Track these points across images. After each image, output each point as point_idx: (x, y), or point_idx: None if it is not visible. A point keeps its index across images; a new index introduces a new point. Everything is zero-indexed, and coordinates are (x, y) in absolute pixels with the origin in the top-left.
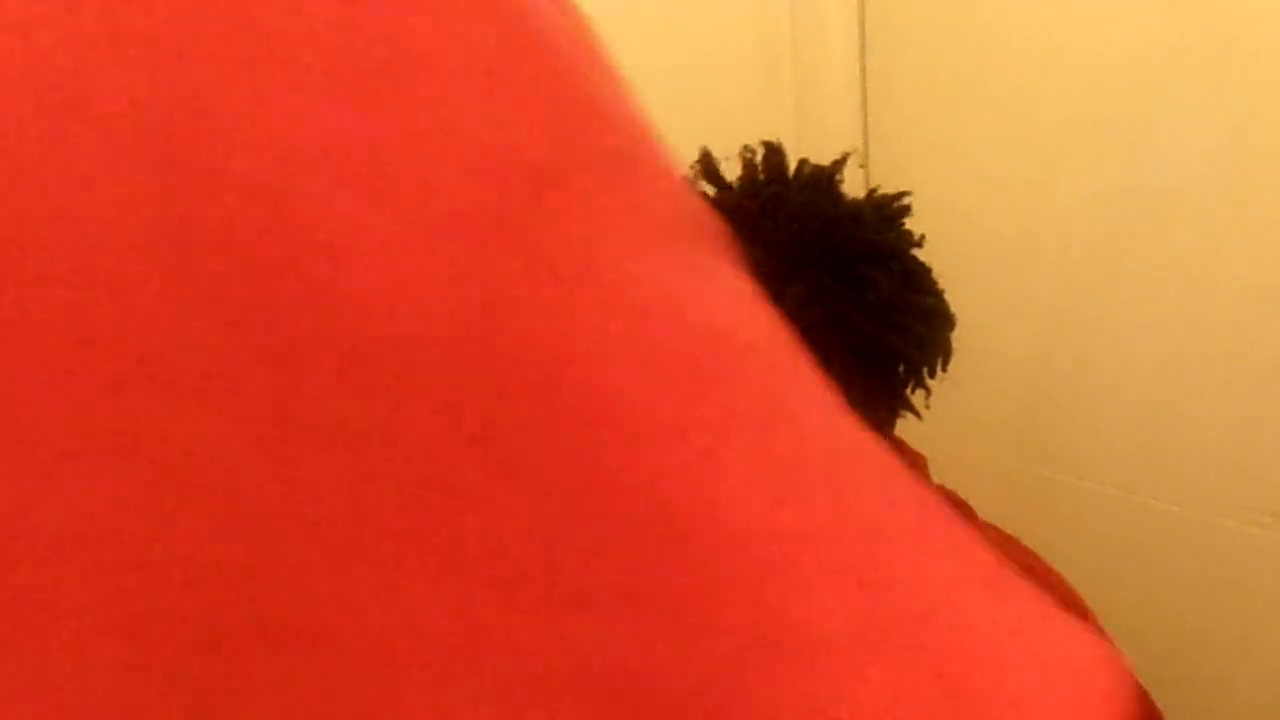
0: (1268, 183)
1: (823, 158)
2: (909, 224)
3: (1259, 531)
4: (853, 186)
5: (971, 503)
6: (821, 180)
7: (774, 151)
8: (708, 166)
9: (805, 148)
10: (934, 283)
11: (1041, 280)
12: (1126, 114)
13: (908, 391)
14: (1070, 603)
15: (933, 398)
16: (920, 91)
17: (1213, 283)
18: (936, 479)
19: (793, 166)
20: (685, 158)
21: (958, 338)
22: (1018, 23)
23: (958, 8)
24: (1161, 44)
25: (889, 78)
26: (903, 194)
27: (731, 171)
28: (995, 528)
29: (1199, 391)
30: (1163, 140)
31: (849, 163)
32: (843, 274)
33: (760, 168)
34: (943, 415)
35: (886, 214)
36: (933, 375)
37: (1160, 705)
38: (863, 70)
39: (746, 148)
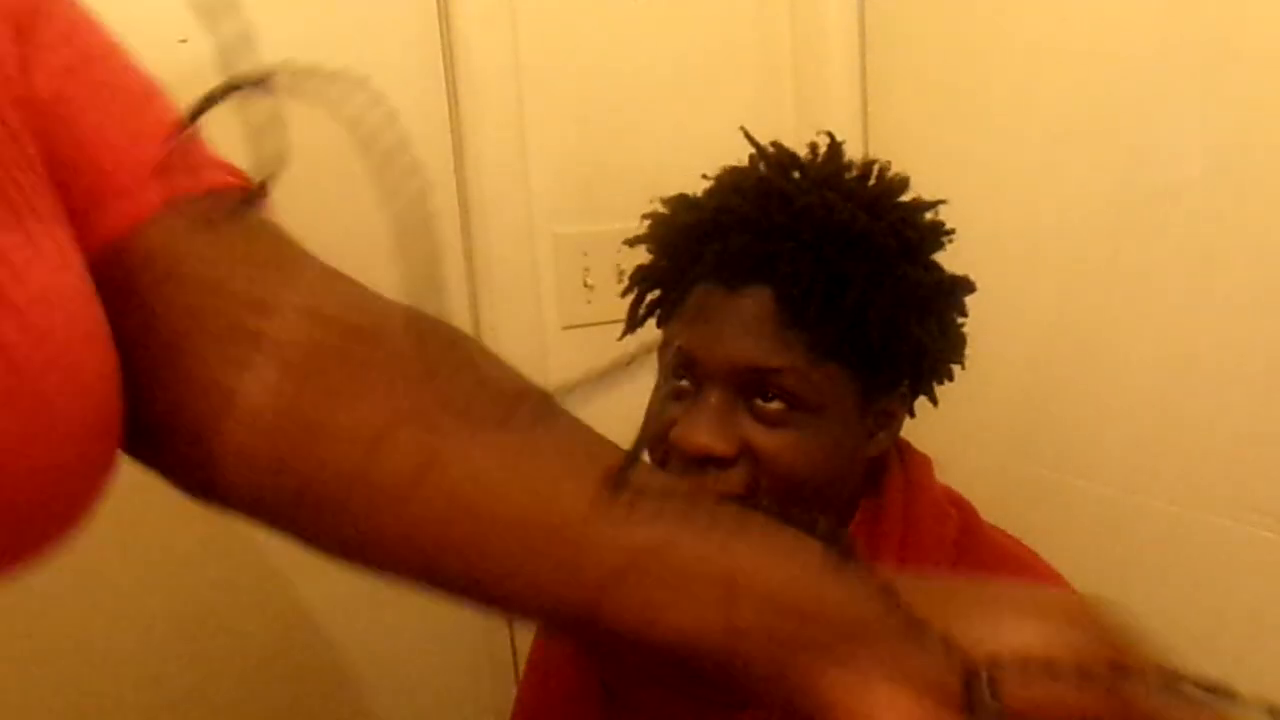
0: (1269, 183)
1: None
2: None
3: (1259, 531)
4: None
5: (972, 502)
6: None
7: (838, 145)
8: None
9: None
10: (954, 302)
11: (1042, 280)
12: (1127, 114)
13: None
14: None
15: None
16: (920, 91)
17: (1213, 283)
18: (938, 479)
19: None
20: (686, 157)
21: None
22: (1018, 23)
23: (958, 8)
24: (1162, 44)
25: (889, 78)
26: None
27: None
28: (996, 528)
29: (1199, 391)
30: (1163, 140)
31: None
32: (878, 276)
33: (822, 156)
34: (943, 415)
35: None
36: (936, 384)
37: None
38: (863, 70)
39: (815, 138)
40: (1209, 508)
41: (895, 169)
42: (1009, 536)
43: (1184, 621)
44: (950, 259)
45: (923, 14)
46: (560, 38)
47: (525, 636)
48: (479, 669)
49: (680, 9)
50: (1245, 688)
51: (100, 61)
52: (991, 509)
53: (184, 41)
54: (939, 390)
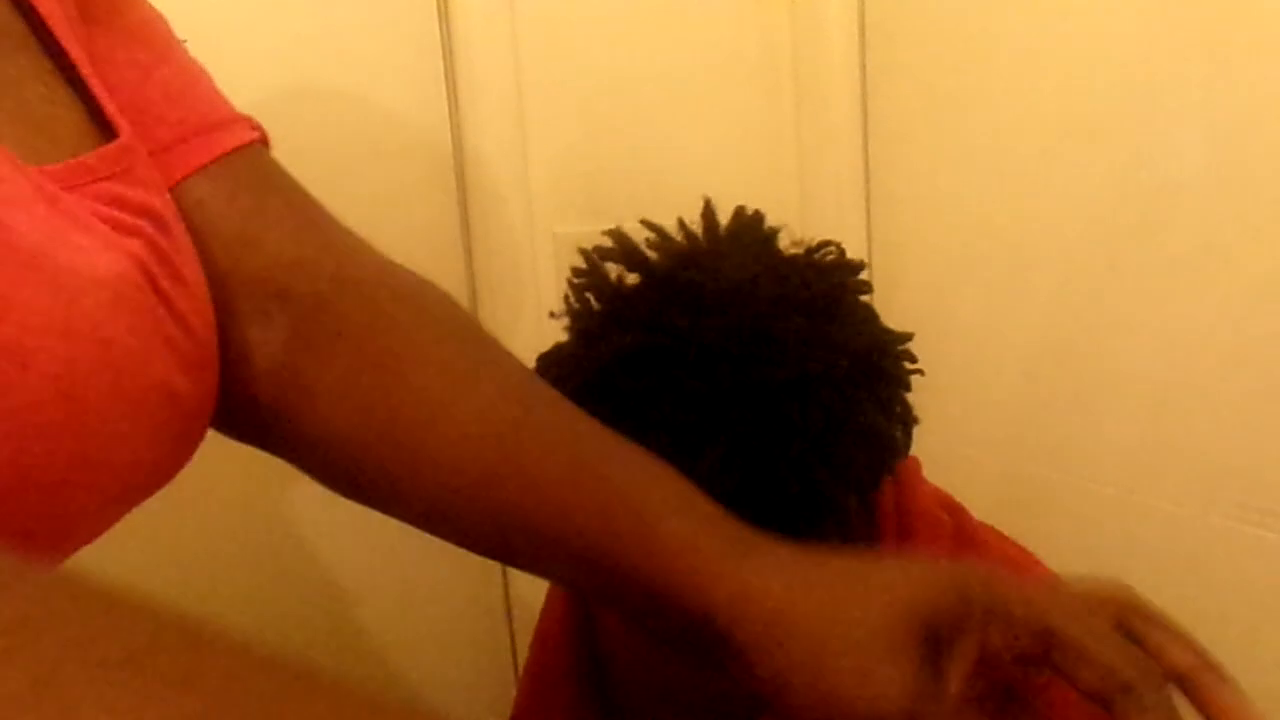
0: (1269, 182)
1: (823, 157)
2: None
3: (1258, 531)
4: (852, 202)
5: (971, 503)
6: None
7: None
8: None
9: (806, 148)
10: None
11: (1041, 279)
12: (1127, 113)
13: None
14: None
15: (931, 398)
16: (920, 91)
17: (1213, 282)
18: (936, 480)
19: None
20: (686, 159)
21: (958, 337)
22: (1018, 22)
23: (958, 7)
24: (1162, 43)
25: (889, 78)
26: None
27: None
28: (991, 529)
29: (1199, 391)
30: (1163, 139)
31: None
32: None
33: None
34: (942, 415)
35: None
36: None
37: None
38: (863, 70)
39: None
40: (1209, 508)
41: (891, 170)
42: (1005, 538)
43: (1183, 622)
44: (951, 258)
45: (923, 14)
46: (560, 38)
47: (524, 638)
48: (480, 668)
49: (680, 8)
50: (1245, 687)
51: (136, 25)
52: (991, 509)
53: (184, 42)
54: (937, 391)
